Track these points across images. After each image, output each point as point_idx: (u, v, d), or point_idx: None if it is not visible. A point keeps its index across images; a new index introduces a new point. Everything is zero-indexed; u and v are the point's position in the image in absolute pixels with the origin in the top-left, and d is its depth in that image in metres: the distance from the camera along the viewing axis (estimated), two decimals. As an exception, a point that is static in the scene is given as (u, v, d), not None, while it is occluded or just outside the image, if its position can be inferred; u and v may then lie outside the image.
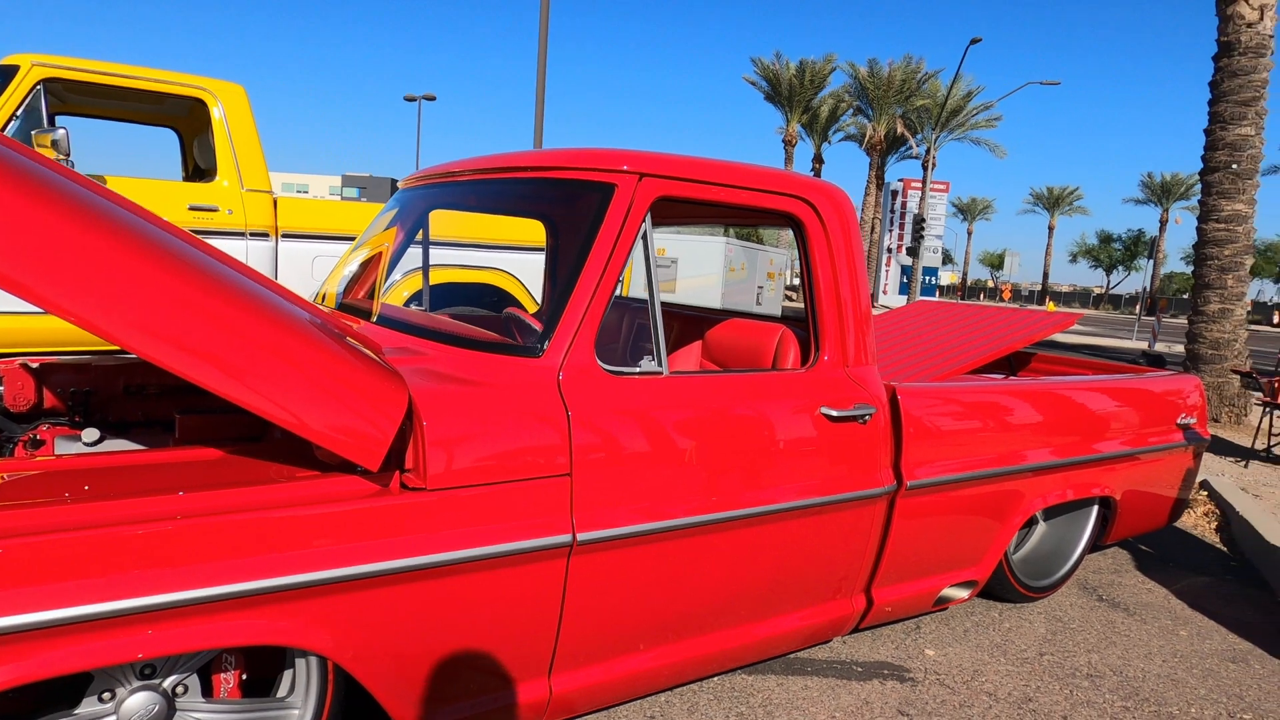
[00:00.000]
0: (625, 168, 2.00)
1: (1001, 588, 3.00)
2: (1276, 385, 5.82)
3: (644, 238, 2.02)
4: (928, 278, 34.90)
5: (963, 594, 2.76)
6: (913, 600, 2.62)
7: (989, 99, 32.98)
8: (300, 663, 1.66)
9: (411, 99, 33.74)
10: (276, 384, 1.46)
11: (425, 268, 3.29)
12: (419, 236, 2.96)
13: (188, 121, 5.11)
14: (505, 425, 1.71)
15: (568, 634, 1.86)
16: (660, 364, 2.01)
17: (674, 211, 3.03)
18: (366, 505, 1.56)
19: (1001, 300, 64.54)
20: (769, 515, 2.09)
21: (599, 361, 1.91)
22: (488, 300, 4.89)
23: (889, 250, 35.58)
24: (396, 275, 4.91)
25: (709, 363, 2.78)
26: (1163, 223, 49.43)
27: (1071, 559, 3.19)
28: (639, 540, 1.88)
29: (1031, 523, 3.30)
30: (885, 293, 35.77)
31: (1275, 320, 45.37)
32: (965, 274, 73.73)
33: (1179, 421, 3.38)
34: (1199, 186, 7.62)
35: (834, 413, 2.21)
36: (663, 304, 3.27)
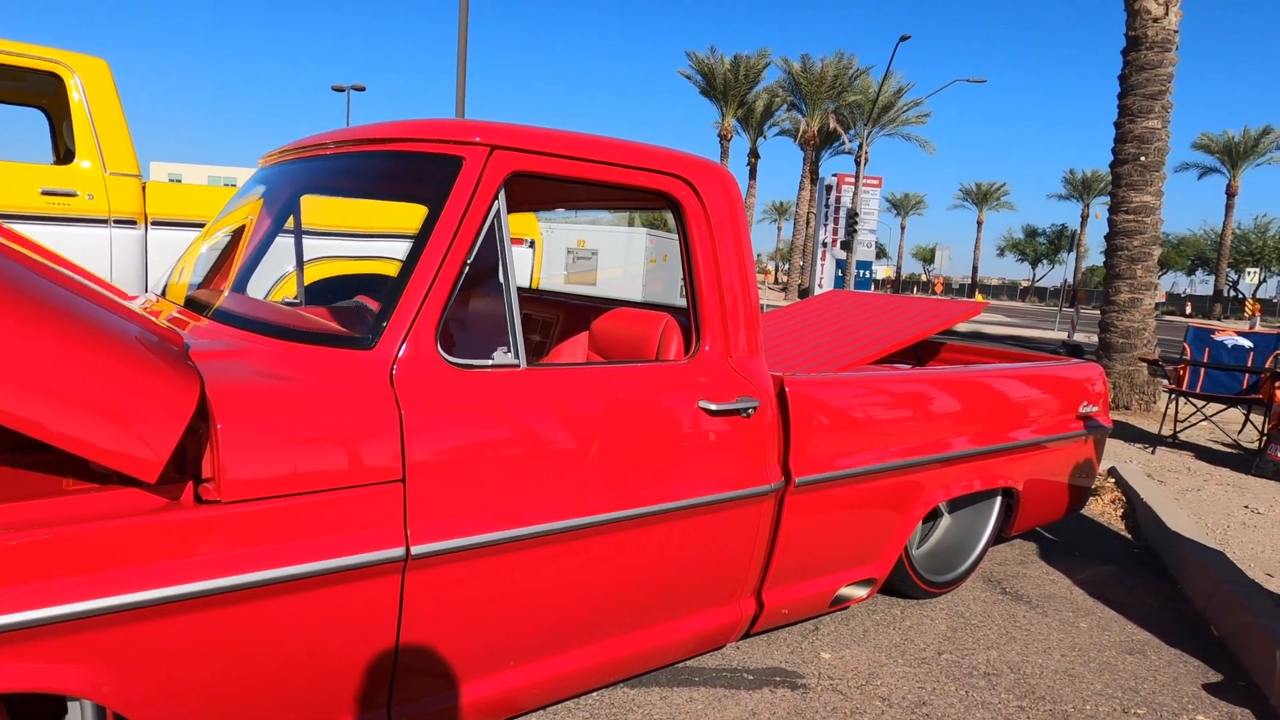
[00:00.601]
0: (477, 139, 1.82)
1: (904, 584, 2.91)
2: (1182, 373, 5.93)
3: (497, 217, 1.83)
4: (862, 271, 35.42)
5: (861, 593, 2.66)
6: (808, 601, 2.50)
7: (919, 95, 33.63)
8: (74, 707, 1.43)
9: (339, 89, 32.78)
10: (25, 385, 1.23)
11: (299, 258, 3.05)
12: (289, 224, 2.71)
13: (54, 101, 4.71)
14: (322, 427, 1.51)
15: (408, 658, 1.67)
16: (517, 356, 1.83)
17: (539, 193, 2.84)
18: (148, 521, 1.34)
19: (934, 293, 66.11)
20: (639, 519, 1.93)
21: (443, 354, 1.72)
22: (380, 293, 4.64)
23: (824, 244, 36.01)
24: (288, 267, 4.61)
25: (595, 354, 2.62)
26: (1084, 218, 51.21)
27: (975, 552, 3.12)
28: (488, 551, 1.70)
29: (936, 516, 3.22)
30: (821, 286, 36.19)
31: (1188, 311, 47.49)
32: (899, 268, 75.31)
33: (1082, 410, 3.35)
34: (1110, 171, 7.76)
35: (713, 406, 2.06)
36: (549, 293, 3.09)
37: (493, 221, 1.83)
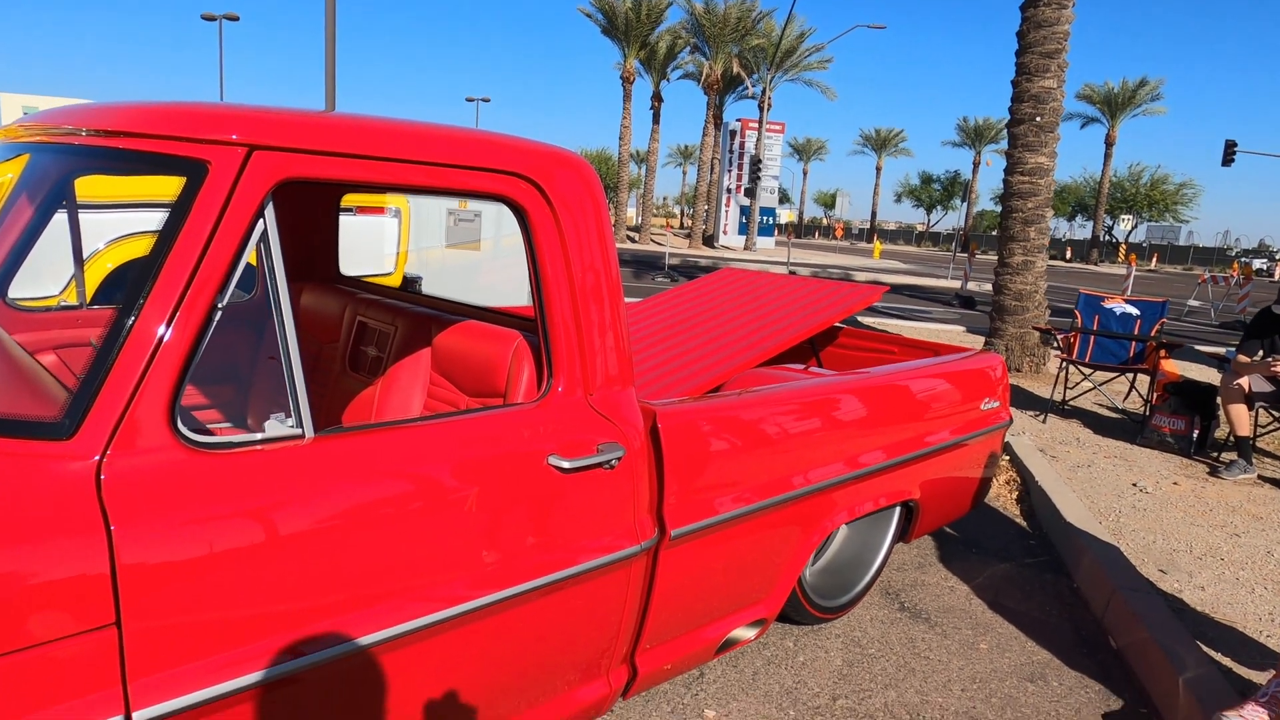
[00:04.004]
0: (232, 137, 1.34)
1: (796, 612, 2.65)
2: (1073, 340, 5.93)
3: (264, 240, 1.37)
4: (765, 218, 35.52)
5: (751, 634, 2.38)
6: (690, 656, 2.19)
7: (820, 40, 33.45)
8: None
9: (210, 18, 30.09)
10: None
11: (78, 255, 2.46)
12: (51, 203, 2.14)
13: None
14: (-23, 568, 1.06)
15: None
16: (299, 424, 1.40)
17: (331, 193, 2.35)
18: None
19: (835, 238, 67.27)
20: (464, 617, 1.55)
21: (183, 433, 1.27)
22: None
23: (728, 191, 35.84)
24: (98, 244, 3.94)
25: (439, 375, 2.19)
26: (975, 164, 52.80)
27: (872, 569, 2.90)
28: (247, 698, 1.29)
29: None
30: (725, 233, 36.17)
31: (1068, 256, 49.95)
32: (801, 213, 76.31)
33: (984, 405, 3.14)
34: (1007, 131, 7.69)
35: (566, 464, 1.68)
36: (384, 294, 2.62)
37: (258, 246, 1.37)
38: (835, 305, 3.43)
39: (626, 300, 2.68)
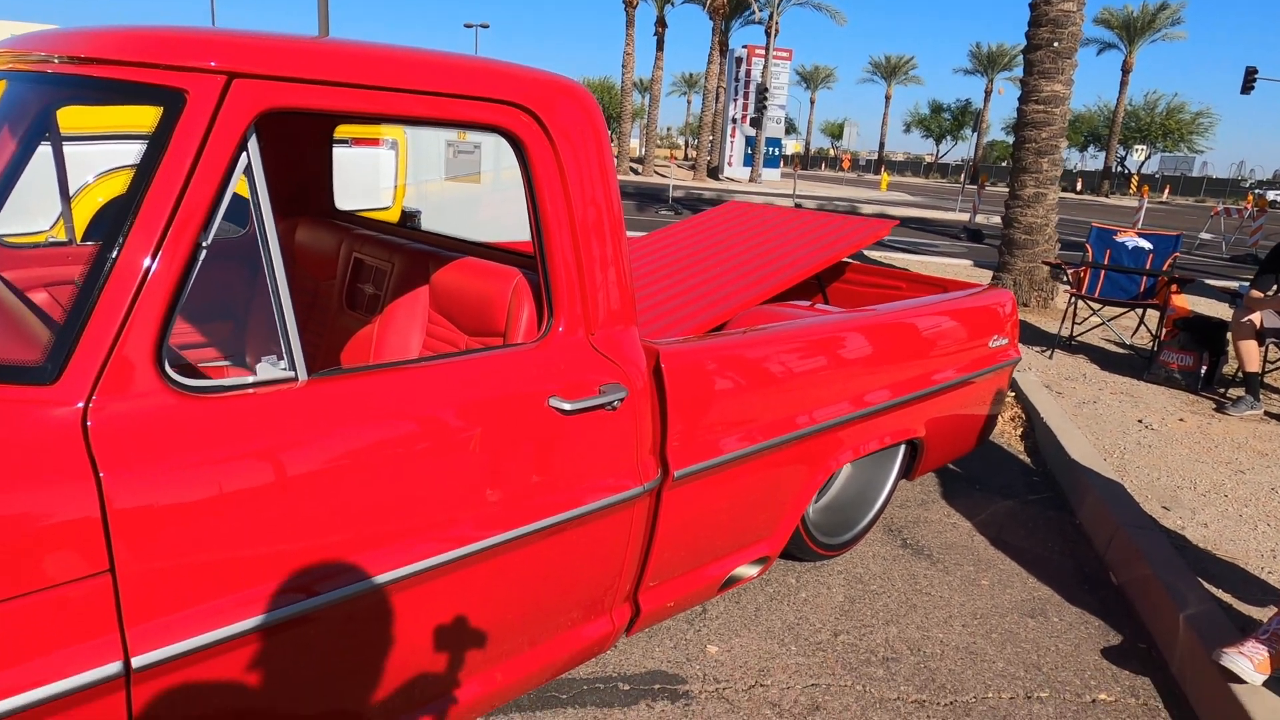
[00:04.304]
0: (210, 64, 1.26)
1: (798, 549, 2.66)
2: (1082, 275, 5.84)
3: (248, 173, 1.31)
4: (771, 149, 34.82)
5: (754, 572, 2.38)
6: (693, 594, 2.20)
7: (831, -39, 32.13)
8: None
9: (196, -61, 28.95)
10: None
11: (64, 189, 2.38)
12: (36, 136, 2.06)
13: None
14: (-37, 517, 1.03)
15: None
16: (291, 366, 1.36)
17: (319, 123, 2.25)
18: None
19: (842, 169, 66.14)
20: (458, 562, 1.54)
21: (170, 376, 1.23)
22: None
23: (734, 121, 35.03)
24: (88, 177, 3.84)
25: (437, 314, 2.15)
26: (987, 93, 51.46)
27: (875, 507, 2.90)
28: (245, 641, 1.29)
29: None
30: (730, 164, 35.53)
31: (1078, 187, 49.13)
32: (808, 144, 74.93)
33: (992, 343, 3.10)
34: (1021, 58, 7.44)
35: (568, 405, 1.64)
36: (380, 229, 2.55)
37: (242, 178, 1.31)
38: (843, 240, 3.35)
39: (629, 235, 2.62)
